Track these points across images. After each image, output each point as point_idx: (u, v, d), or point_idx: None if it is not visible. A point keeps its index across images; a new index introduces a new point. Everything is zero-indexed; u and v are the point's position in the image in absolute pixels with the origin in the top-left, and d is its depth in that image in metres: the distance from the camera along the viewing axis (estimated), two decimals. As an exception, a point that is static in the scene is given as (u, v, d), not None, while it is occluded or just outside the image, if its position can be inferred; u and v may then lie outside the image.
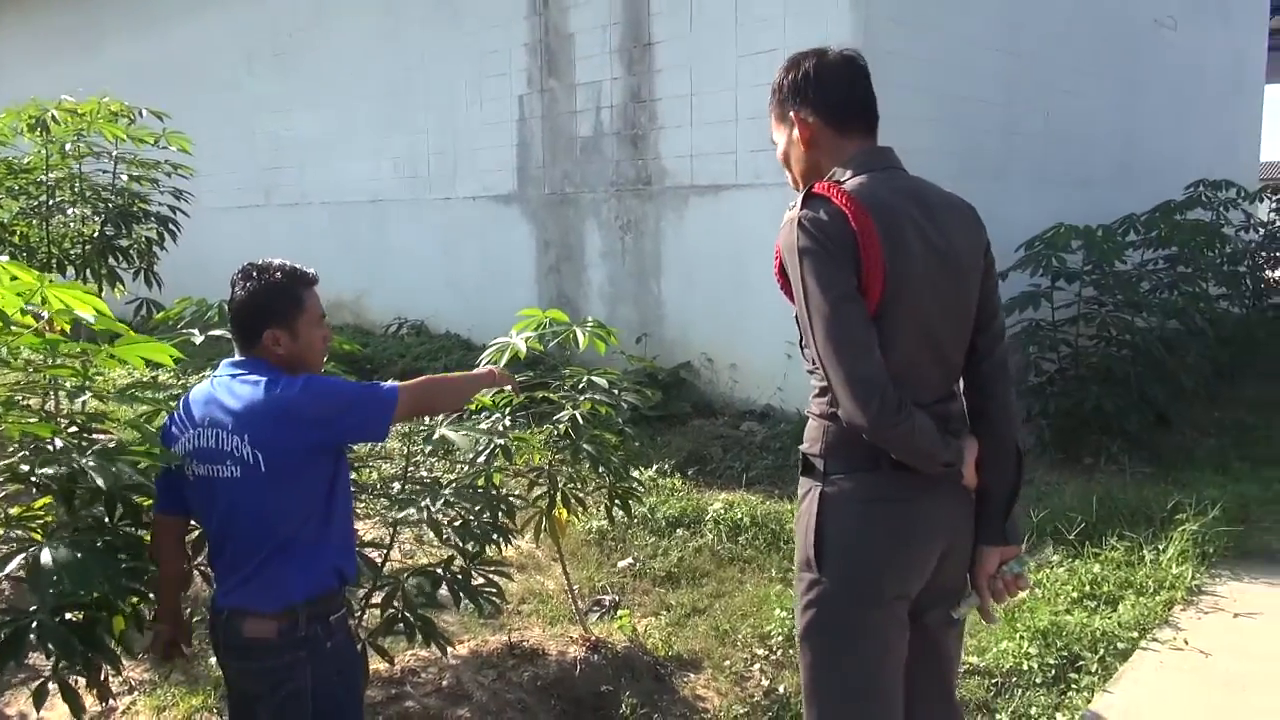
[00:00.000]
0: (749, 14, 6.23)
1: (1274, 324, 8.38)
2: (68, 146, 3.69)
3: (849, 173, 1.78)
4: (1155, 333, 5.96)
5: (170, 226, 4.04)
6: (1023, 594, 2.01)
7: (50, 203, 3.72)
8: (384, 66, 8.88)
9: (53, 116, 3.44)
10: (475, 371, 2.45)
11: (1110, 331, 5.88)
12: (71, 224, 3.85)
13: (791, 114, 1.87)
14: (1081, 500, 4.64)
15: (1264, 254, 9.04)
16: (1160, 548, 4.14)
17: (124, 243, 3.88)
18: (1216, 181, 7.84)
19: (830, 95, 1.84)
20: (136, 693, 3.29)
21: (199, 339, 2.58)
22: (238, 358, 2.09)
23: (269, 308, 2.06)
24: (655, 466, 5.53)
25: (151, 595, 2.13)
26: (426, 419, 2.83)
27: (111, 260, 3.87)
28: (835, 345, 1.67)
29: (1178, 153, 9.61)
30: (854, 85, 1.86)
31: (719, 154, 6.50)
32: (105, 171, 3.90)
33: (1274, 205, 9.43)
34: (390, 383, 2.10)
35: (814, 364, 1.77)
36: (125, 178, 3.90)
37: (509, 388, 2.55)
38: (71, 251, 3.89)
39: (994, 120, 6.90)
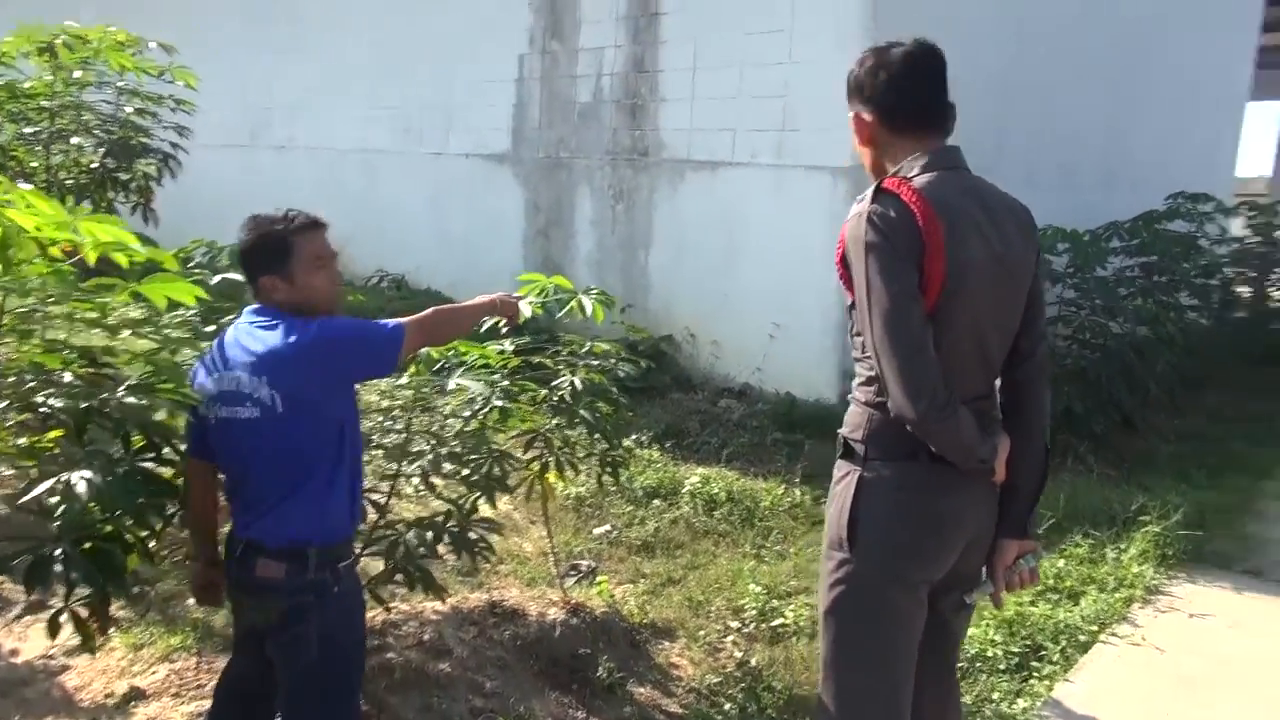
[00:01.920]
0: (758, -8, 6.23)
1: (1236, 337, 8.59)
2: (75, 74, 3.63)
3: (917, 169, 1.82)
4: (1128, 339, 6.11)
5: (170, 163, 4.00)
6: (1034, 587, 2.11)
7: (52, 130, 3.67)
8: (381, 14, 8.76)
9: (64, 42, 3.39)
10: (477, 300, 2.48)
11: (1086, 334, 6.02)
12: (71, 153, 3.80)
13: (854, 111, 1.92)
14: (1049, 498, 4.77)
15: (1235, 269, 9.24)
16: (1122, 547, 4.29)
17: (124, 176, 3.84)
18: (1196, 194, 7.99)
19: (888, 97, 1.87)
20: (113, 629, 3.31)
21: (214, 280, 2.59)
22: (255, 305, 2.16)
23: (261, 255, 2.13)
24: (634, 437, 5.60)
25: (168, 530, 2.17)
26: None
27: (110, 193, 3.83)
28: (892, 340, 1.73)
29: (1161, 162, 9.76)
30: (914, 88, 1.87)
31: (718, 130, 6.52)
32: (108, 102, 3.85)
33: (1249, 221, 9.63)
34: (395, 320, 2.16)
35: (864, 352, 1.83)
36: (129, 110, 3.85)
37: (513, 316, 2.60)
38: (67, 181, 3.84)
39: (988, 116, 6.97)
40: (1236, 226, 9.84)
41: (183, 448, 2.17)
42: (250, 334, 2.09)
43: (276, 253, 2.11)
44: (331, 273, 2.20)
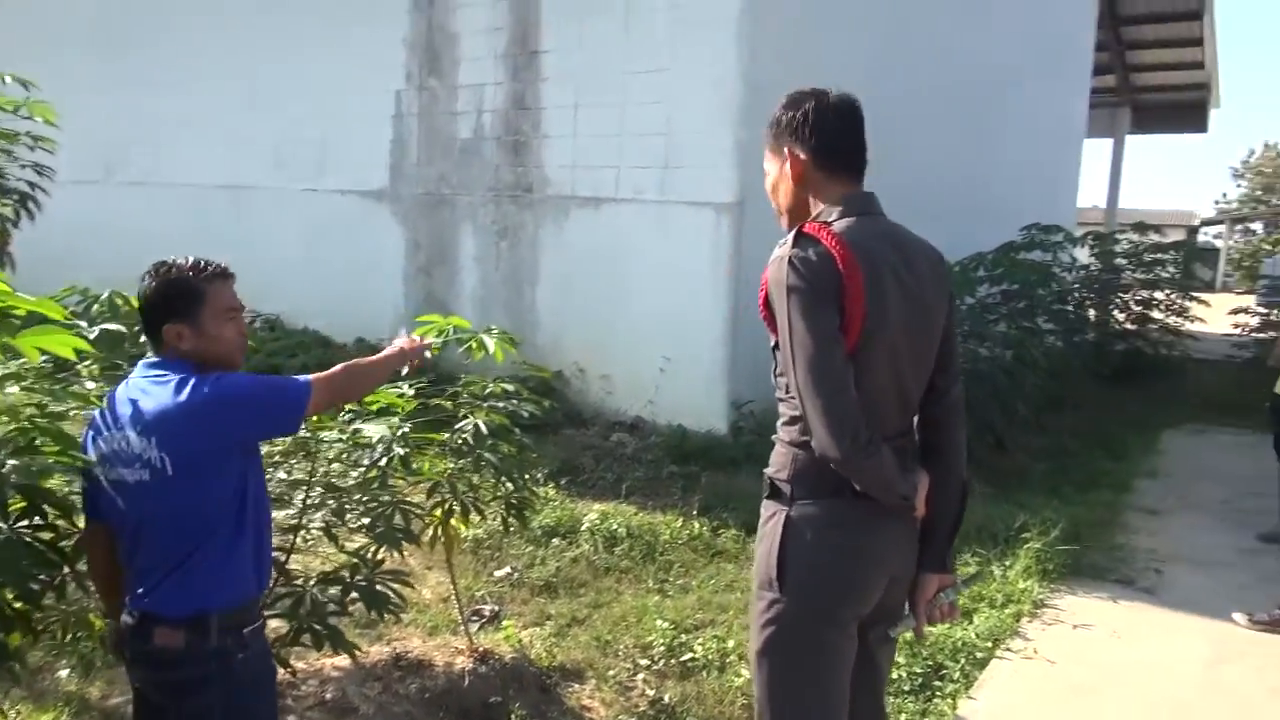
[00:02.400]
0: (638, 33, 6.33)
1: (1087, 358, 9.15)
2: (-78, 111, 3.36)
3: (836, 214, 1.87)
4: (997, 362, 6.43)
5: (30, 205, 3.74)
6: (954, 620, 2.15)
7: (-106, 171, 3.38)
8: (249, 45, 8.49)
9: (-87, 78, 3.13)
10: (388, 351, 2.36)
11: (960, 360, 6.29)
12: (-85, 195, 3.50)
13: (786, 149, 1.94)
14: (935, 518, 4.93)
15: (1085, 294, 9.88)
16: (1007, 564, 4.48)
17: (-23, 219, 3.57)
18: (1048, 226, 8.53)
19: (823, 139, 1.91)
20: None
21: (92, 333, 2.42)
22: (152, 358, 2.03)
23: (167, 302, 2.01)
24: (527, 475, 5.52)
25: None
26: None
27: (-38, 237, 3.55)
28: (815, 381, 1.76)
29: (1013, 196, 10.40)
30: (847, 132, 1.93)
31: (601, 167, 6.57)
32: (-41, 140, 3.58)
33: (1093, 250, 10.32)
34: (304, 376, 2.05)
35: (787, 393, 1.85)
36: (-17, 148, 3.59)
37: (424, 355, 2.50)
38: (-91, 225, 3.53)
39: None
40: (1082, 255, 10.53)
41: (69, 513, 2.01)
42: (142, 390, 1.96)
43: (187, 300, 2.00)
44: (240, 325, 2.09)
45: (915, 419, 2.00)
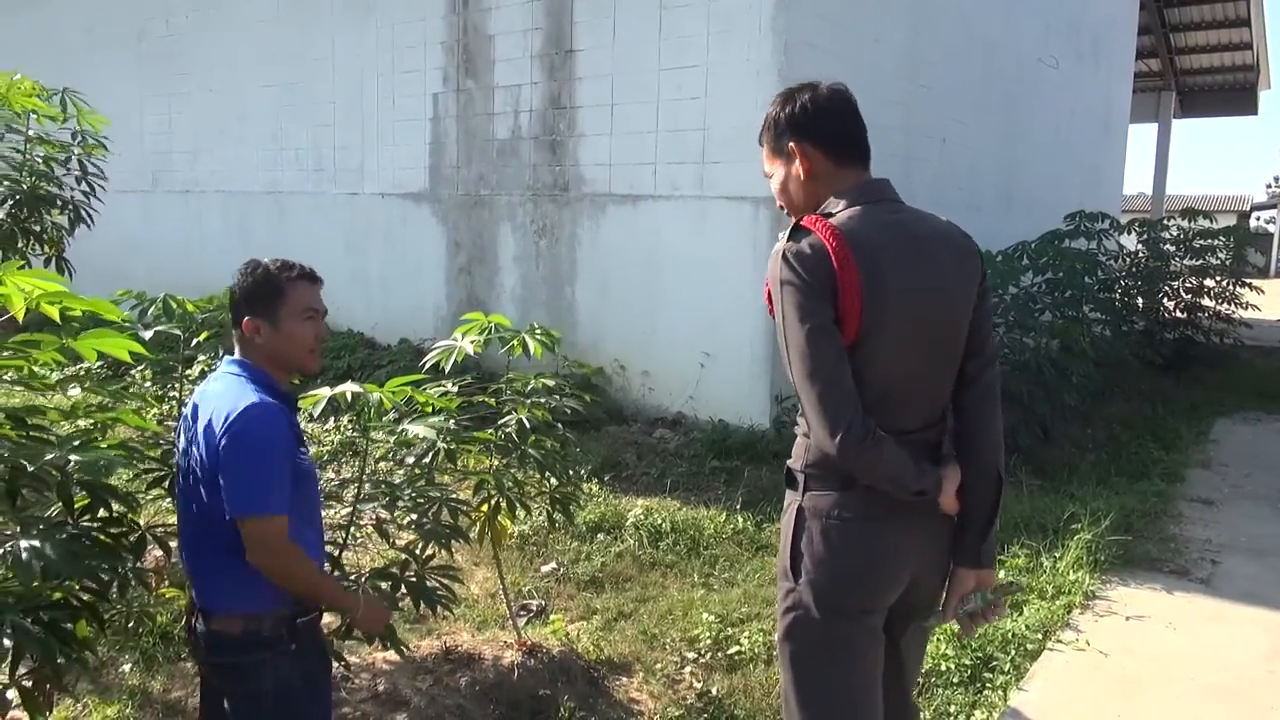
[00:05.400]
0: (672, 30, 6.33)
1: (1135, 347, 8.99)
2: (-18, 124, 3.46)
3: (841, 204, 1.83)
4: (1043, 353, 6.34)
5: (85, 213, 3.84)
6: (998, 619, 2.09)
7: (-44, 182, 3.48)
8: (288, 53, 8.62)
9: (-27, 91, 3.23)
10: (346, 596, 2.24)
11: (1005, 351, 6.22)
12: (-24, 205, 3.60)
13: (791, 145, 1.89)
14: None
15: (1133, 282, 9.70)
16: (1057, 555, 4.42)
17: (37, 227, 3.67)
18: (1093, 214, 8.38)
19: (827, 128, 1.88)
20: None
21: (147, 334, 2.49)
22: (235, 355, 2.12)
23: (250, 296, 2.09)
24: (572, 470, 5.55)
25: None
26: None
27: (20, 244, 3.64)
28: (807, 374, 1.74)
29: (1053, 184, 10.25)
30: (848, 118, 1.90)
31: (637, 164, 6.58)
32: (17, 150, 3.68)
33: (1141, 237, 10.12)
34: (284, 517, 1.94)
35: None
36: (39, 158, 3.68)
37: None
38: (-28, 235, 3.64)
39: (896, 146, 7.21)
40: (1130, 242, 10.34)
41: (133, 508, 2.07)
42: (212, 382, 2.05)
43: (268, 295, 2.07)
44: (317, 327, 2.14)
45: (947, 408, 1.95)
